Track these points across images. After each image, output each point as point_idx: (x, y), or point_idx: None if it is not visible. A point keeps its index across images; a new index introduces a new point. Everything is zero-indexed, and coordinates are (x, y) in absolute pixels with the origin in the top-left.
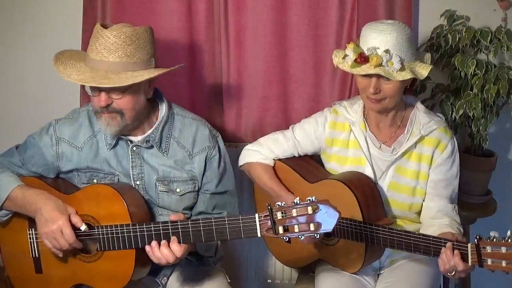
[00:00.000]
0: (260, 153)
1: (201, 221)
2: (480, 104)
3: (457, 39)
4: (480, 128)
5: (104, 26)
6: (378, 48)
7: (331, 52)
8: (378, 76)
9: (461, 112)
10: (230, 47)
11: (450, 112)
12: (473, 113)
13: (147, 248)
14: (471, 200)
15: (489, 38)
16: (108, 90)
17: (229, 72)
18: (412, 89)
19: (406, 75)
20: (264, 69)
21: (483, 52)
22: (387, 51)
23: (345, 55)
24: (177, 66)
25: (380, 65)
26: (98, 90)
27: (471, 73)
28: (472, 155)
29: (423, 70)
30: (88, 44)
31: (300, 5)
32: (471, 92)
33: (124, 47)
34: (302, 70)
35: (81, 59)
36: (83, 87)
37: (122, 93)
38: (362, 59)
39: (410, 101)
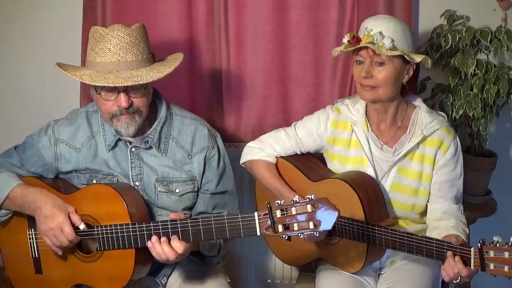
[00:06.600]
0: (262, 150)
1: (200, 220)
2: (480, 104)
3: (457, 39)
4: (480, 128)
5: None
6: (372, 30)
7: (331, 52)
8: (371, 61)
9: (461, 112)
10: (230, 47)
11: (450, 112)
12: (473, 113)
13: (149, 244)
14: (471, 200)
15: (489, 38)
16: (127, 90)
17: (229, 72)
18: (413, 88)
19: (394, 53)
20: (264, 69)
21: (483, 52)
22: (380, 33)
23: (342, 43)
24: (181, 59)
25: (371, 43)
26: (117, 91)
27: (471, 73)
28: (472, 155)
29: (416, 57)
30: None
31: (300, 5)
32: (471, 92)
33: (137, 44)
34: (302, 70)
35: (76, 69)
36: (86, 88)
37: (141, 91)
38: (355, 39)
39: (412, 101)
